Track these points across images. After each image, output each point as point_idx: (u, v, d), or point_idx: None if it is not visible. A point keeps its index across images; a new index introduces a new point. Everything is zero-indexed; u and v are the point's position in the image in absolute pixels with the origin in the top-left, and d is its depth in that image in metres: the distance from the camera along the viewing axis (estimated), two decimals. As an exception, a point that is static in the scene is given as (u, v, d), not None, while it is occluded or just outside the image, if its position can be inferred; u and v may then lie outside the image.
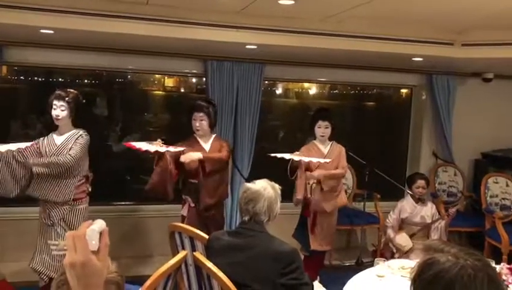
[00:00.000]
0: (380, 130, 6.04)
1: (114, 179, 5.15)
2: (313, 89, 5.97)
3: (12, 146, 3.34)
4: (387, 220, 4.47)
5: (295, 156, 3.90)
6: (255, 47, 4.07)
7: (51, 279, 3.48)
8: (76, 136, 3.61)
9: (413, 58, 4.53)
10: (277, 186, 2.62)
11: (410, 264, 3.13)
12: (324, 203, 4.09)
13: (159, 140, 3.59)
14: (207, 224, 3.75)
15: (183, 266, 2.73)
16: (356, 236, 5.38)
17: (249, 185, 2.59)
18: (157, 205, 4.76)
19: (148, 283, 2.26)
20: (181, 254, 2.55)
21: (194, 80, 5.59)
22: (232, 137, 4.75)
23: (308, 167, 4.09)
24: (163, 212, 4.67)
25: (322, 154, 4.17)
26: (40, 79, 5.13)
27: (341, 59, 4.82)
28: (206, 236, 2.74)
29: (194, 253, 2.61)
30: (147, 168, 4.26)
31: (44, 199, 3.51)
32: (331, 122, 4.19)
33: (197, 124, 3.83)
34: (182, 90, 5.81)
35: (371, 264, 3.74)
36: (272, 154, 3.90)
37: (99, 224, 1.06)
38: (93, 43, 4.30)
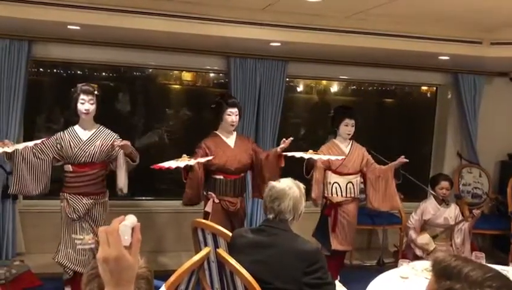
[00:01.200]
0: (402, 128, 5.95)
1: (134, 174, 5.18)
2: (333, 86, 5.91)
3: (20, 146, 3.34)
4: (409, 222, 4.40)
5: (306, 155, 3.83)
6: (279, 44, 4.05)
7: (75, 272, 3.53)
8: (106, 134, 3.66)
9: (440, 57, 4.45)
10: (302, 185, 2.59)
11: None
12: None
13: (184, 155, 3.59)
14: (231, 220, 3.78)
15: (205, 263, 2.74)
16: (377, 236, 5.32)
17: (274, 183, 2.57)
18: (176, 201, 4.78)
19: (172, 278, 2.27)
20: (205, 251, 2.54)
21: (211, 74, 5.58)
22: (254, 134, 4.74)
23: (329, 167, 4.07)
24: (182, 208, 4.68)
25: (343, 154, 4.12)
26: (58, 71, 5.15)
27: (366, 57, 4.76)
28: (229, 233, 2.74)
29: (217, 250, 2.61)
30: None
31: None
32: (357, 121, 4.16)
33: (234, 119, 3.86)
34: (199, 84, 5.79)
35: (393, 265, 3.70)
36: (284, 153, 3.86)
37: (132, 219, 1.06)
38: (117, 39, 4.33)
